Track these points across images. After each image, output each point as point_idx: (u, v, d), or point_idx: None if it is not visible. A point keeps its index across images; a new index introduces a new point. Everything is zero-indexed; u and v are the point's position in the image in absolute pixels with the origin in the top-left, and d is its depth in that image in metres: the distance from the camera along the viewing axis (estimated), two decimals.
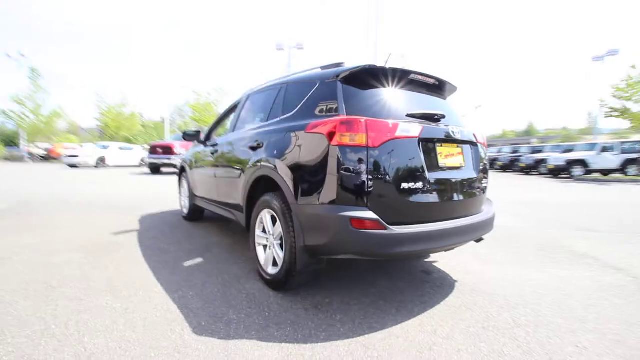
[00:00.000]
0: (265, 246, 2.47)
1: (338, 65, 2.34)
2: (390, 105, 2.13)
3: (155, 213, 5.16)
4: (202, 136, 4.08)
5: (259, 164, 2.48)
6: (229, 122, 3.79)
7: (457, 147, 2.33)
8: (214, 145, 3.65)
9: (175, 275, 2.60)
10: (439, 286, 2.51)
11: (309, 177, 2.00)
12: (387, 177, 1.88)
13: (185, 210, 4.62)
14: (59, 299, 2.17)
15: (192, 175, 4.26)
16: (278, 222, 2.24)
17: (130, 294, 2.25)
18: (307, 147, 2.05)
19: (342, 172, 1.83)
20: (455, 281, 2.62)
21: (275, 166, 2.26)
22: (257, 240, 2.53)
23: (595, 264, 3.13)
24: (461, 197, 2.24)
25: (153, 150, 13.98)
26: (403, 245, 1.85)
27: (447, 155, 2.22)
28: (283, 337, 1.77)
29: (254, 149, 2.63)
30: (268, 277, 2.35)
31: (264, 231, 2.48)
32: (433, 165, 2.10)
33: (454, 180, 2.20)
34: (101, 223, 4.36)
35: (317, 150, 1.94)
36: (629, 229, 4.66)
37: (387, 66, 2.15)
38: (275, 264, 2.33)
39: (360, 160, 1.83)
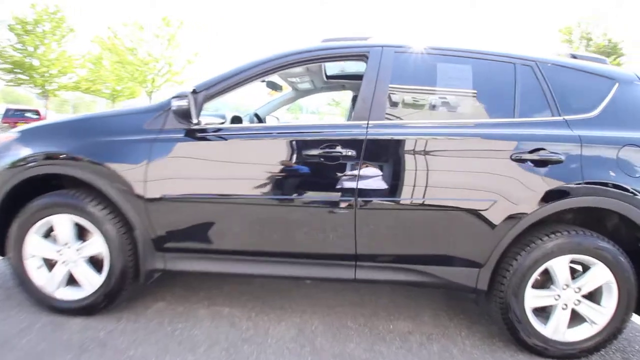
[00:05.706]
0: (551, 307, 1.86)
1: (599, 60, 2.13)
2: None
3: None
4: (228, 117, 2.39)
5: (571, 190, 1.78)
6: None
7: None
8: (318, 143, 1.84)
9: None
10: None
11: None
12: None
13: (75, 294, 1.92)
14: None
15: (165, 206, 1.87)
16: (588, 274, 1.80)
17: None
18: None
19: None
20: None
21: (634, 195, 1.77)
22: (530, 303, 1.82)
23: None
24: None
25: None
26: None
27: None
28: None
29: (541, 163, 1.78)
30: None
31: (539, 287, 1.88)
32: None
33: None
34: None
35: None
36: None
37: None
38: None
39: None
